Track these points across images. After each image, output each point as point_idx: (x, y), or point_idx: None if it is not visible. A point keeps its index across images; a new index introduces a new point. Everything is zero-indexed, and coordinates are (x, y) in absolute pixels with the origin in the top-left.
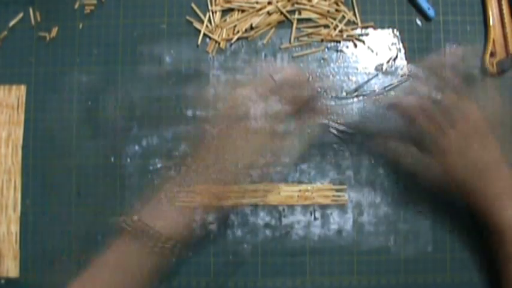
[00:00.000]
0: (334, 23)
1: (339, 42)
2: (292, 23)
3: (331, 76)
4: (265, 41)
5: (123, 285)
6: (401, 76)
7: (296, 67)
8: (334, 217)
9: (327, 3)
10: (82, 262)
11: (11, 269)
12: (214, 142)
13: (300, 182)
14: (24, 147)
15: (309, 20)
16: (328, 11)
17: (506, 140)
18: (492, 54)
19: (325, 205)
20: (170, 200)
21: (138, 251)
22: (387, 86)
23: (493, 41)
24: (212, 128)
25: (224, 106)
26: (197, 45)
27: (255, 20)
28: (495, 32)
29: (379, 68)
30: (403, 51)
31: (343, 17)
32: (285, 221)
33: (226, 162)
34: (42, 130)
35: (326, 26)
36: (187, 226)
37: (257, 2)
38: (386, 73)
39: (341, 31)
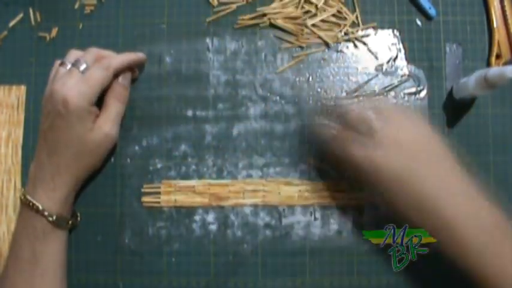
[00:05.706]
0: (342, 26)
1: (339, 42)
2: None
3: (331, 76)
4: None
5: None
6: (401, 76)
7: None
8: (334, 217)
9: (335, 8)
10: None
11: None
12: None
13: (300, 182)
14: (24, 147)
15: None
16: (334, 15)
17: None
18: (498, 56)
19: (325, 205)
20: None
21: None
22: (387, 86)
23: (498, 42)
24: None
25: None
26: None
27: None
28: (499, 33)
29: (379, 68)
30: (403, 51)
31: (346, 19)
32: (285, 221)
33: None
34: None
35: (328, 30)
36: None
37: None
38: (386, 73)
39: (346, 33)
